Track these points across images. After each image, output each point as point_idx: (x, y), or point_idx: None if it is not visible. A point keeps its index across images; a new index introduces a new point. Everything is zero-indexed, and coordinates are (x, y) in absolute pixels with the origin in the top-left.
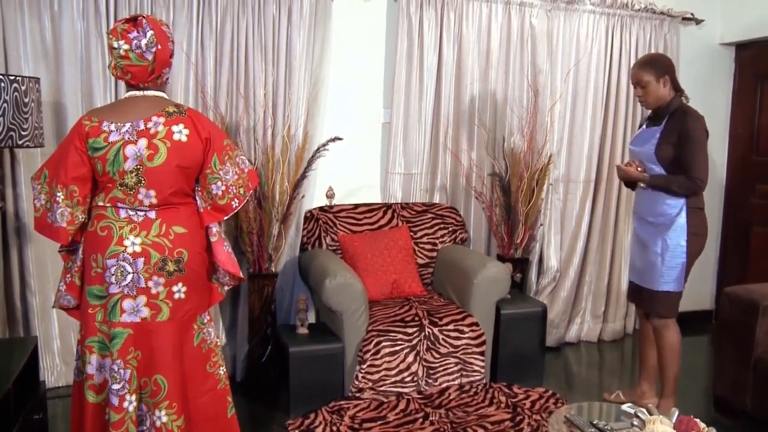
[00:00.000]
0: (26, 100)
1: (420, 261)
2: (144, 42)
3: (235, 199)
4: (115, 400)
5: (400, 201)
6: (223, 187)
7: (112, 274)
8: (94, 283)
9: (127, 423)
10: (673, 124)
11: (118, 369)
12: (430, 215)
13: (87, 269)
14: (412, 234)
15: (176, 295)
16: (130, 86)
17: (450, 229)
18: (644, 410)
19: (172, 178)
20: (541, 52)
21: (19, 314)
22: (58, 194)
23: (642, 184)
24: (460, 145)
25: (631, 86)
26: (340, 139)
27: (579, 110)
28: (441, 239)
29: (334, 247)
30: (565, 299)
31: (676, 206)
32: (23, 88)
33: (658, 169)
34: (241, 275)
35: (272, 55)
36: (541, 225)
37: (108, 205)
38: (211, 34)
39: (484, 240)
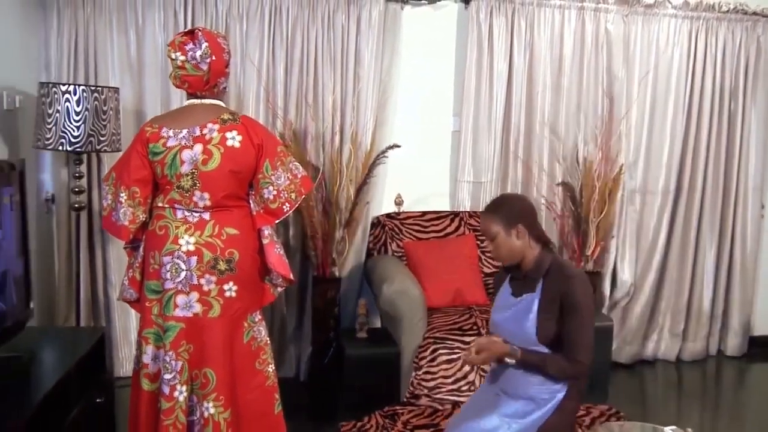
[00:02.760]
0: (105, 108)
1: (486, 270)
2: (199, 53)
3: (287, 204)
4: (166, 389)
5: (468, 209)
6: (275, 192)
7: (168, 271)
8: (152, 278)
9: (176, 412)
10: (552, 289)
11: (170, 360)
12: None
13: (146, 265)
14: (478, 243)
15: (227, 293)
16: (189, 95)
17: None
18: None
19: (225, 182)
20: (617, 59)
21: (102, 307)
22: (122, 195)
23: (510, 360)
24: (531, 153)
25: (717, 93)
26: (398, 146)
27: (658, 118)
28: None
29: (400, 254)
30: (639, 315)
31: (552, 389)
32: (103, 97)
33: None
34: (292, 277)
35: (341, 63)
36: (613, 237)
37: (166, 206)
38: (281, 44)
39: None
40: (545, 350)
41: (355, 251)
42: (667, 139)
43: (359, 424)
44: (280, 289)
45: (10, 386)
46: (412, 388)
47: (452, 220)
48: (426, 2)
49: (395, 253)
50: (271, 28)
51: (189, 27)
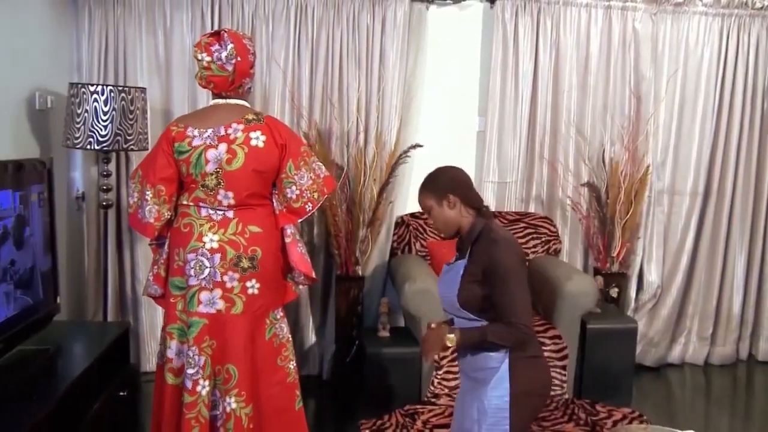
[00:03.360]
0: (132, 108)
1: None
2: (224, 54)
3: (309, 203)
4: (189, 384)
5: (493, 209)
6: (298, 191)
7: (192, 268)
8: (176, 275)
9: (199, 405)
10: (479, 254)
11: (194, 355)
12: (522, 225)
13: (171, 262)
14: None
15: (249, 291)
16: (214, 95)
17: (543, 239)
18: None
19: (248, 181)
20: (645, 58)
21: (129, 303)
22: (147, 193)
23: (450, 344)
24: (557, 154)
25: (749, 92)
26: (420, 146)
27: (686, 118)
28: (533, 249)
29: (424, 253)
30: (666, 317)
31: (497, 356)
32: (130, 97)
33: (473, 319)
34: (314, 276)
35: (366, 64)
36: (639, 238)
37: (191, 204)
38: (307, 44)
39: (581, 252)
40: (470, 316)
41: (378, 250)
42: (696, 139)
43: (379, 422)
44: (302, 287)
45: (36, 378)
46: (432, 388)
47: None
48: (451, 2)
49: (419, 253)
50: (296, 28)
51: (216, 28)
